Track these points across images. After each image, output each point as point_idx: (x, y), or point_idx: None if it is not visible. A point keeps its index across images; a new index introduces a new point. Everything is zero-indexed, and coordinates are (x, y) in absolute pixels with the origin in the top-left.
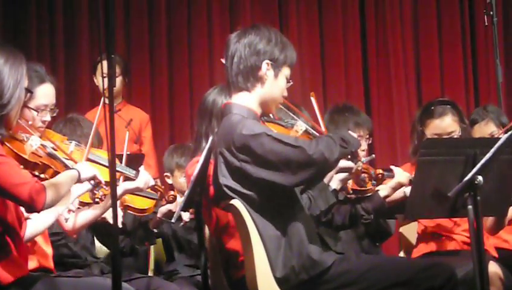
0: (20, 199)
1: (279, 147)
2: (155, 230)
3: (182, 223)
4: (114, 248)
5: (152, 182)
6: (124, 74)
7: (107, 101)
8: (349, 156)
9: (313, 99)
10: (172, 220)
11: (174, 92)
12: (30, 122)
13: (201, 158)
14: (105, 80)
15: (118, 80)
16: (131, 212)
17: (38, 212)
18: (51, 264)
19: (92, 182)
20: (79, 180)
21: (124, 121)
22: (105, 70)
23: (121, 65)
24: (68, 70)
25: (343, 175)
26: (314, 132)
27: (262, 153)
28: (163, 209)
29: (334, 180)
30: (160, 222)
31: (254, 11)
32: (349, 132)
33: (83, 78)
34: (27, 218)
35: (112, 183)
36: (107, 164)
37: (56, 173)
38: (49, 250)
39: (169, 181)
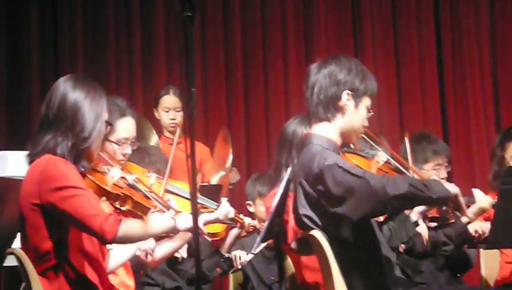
0: (92, 230)
1: (347, 178)
2: (227, 255)
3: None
4: (198, 280)
5: (232, 214)
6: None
7: (168, 134)
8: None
9: (406, 140)
10: (253, 251)
11: (250, 122)
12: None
13: (280, 189)
14: (175, 112)
15: (180, 114)
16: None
17: (110, 243)
18: None
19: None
20: (175, 230)
21: (185, 153)
22: (172, 104)
23: (182, 98)
24: (146, 103)
25: (422, 207)
26: (396, 162)
27: (332, 185)
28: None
29: (413, 212)
30: (231, 247)
31: (329, 41)
32: (441, 171)
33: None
34: (109, 249)
35: (194, 216)
36: (185, 195)
37: (136, 203)
38: (131, 282)
39: (251, 209)
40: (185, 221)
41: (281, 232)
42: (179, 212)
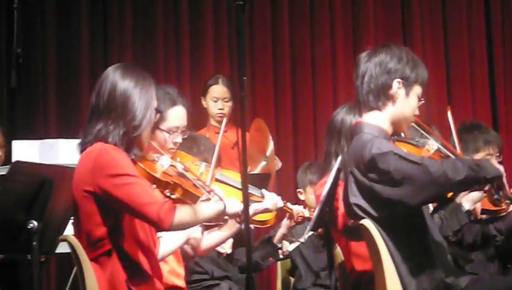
0: (148, 218)
1: (404, 165)
2: (279, 245)
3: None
4: (248, 271)
5: (281, 204)
6: (234, 97)
7: (215, 123)
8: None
9: (449, 114)
10: (302, 240)
11: (298, 111)
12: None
13: (330, 178)
14: (224, 103)
15: (228, 105)
16: (251, 225)
17: (166, 231)
18: (183, 283)
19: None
20: (224, 214)
21: (231, 142)
22: (221, 94)
23: (231, 89)
24: (194, 94)
25: (476, 195)
26: (447, 151)
27: (388, 172)
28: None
29: (467, 200)
30: (284, 237)
31: (377, 28)
32: (493, 160)
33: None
34: (159, 237)
35: (245, 205)
36: (234, 184)
37: (186, 191)
38: (181, 270)
39: (302, 197)
40: (233, 205)
41: (331, 221)
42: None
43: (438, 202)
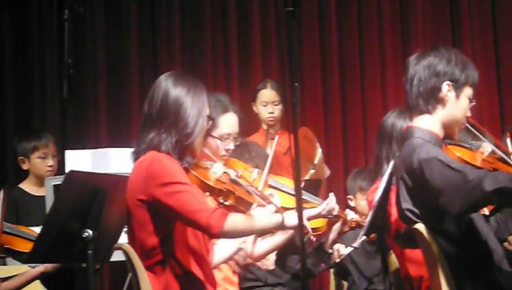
0: (199, 224)
1: (445, 171)
2: (330, 250)
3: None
4: (303, 277)
5: (337, 211)
6: (284, 101)
7: (265, 128)
8: None
9: (508, 140)
10: (355, 245)
11: (347, 116)
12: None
13: (382, 183)
14: (273, 106)
15: (278, 108)
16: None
17: (217, 237)
18: None
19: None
20: (282, 227)
21: (283, 148)
22: (270, 98)
23: (281, 93)
24: (243, 101)
25: None
26: (501, 153)
27: (431, 178)
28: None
29: None
30: (335, 243)
31: (426, 35)
32: None
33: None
34: (213, 244)
35: (299, 211)
36: (287, 190)
37: (239, 198)
38: (235, 277)
39: (352, 204)
40: (292, 218)
41: (384, 226)
42: (282, 208)
43: (478, 210)
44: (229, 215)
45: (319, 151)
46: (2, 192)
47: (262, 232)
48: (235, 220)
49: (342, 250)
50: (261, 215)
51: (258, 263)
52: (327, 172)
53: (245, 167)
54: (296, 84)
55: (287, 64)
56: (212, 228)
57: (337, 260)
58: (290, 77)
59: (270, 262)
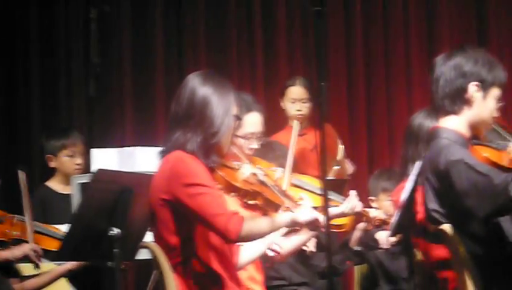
0: (216, 228)
1: (471, 175)
2: (355, 248)
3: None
4: (330, 276)
5: (359, 208)
6: (311, 98)
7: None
8: None
9: None
10: (382, 245)
11: (371, 116)
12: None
13: (408, 183)
14: (302, 104)
15: (306, 106)
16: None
17: (233, 242)
18: None
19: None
20: (296, 224)
21: (310, 144)
22: (299, 95)
23: (310, 90)
24: (267, 100)
25: None
26: None
27: (457, 181)
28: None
29: None
30: (360, 241)
31: (453, 36)
32: None
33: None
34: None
35: (326, 210)
36: (312, 189)
37: (266, 200)
38: (259, 276)
39: (374, 205)
40: (305, 214)
41: (410, 226)
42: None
43: (506, 214)
44: (245, 220)
45: (341, 148)
46: (20, 174)
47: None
48: (252, 225)
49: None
50: (274, 216)
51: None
52: (351, 168)
53: (268, 166)
54: (323, 83)
55: (314, 63)
56: (229, 233)
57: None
58: (317, 76)
59: (312, 245)
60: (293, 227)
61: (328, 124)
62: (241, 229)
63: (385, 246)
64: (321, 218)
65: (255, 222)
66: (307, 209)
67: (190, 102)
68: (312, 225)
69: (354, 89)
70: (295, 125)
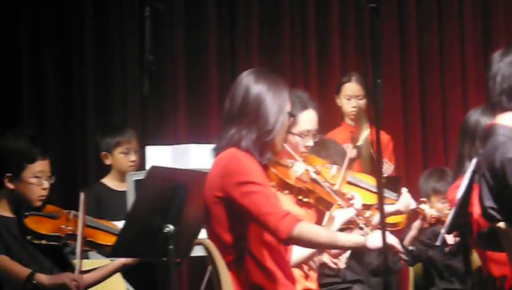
0: (268, 227)
1: None
2: (410, 247)
3: (446, 248)
4: (385, 274)
5: (413, 205)
6: (367, 94)
7: (350, 122)
8: None
9: None
10: (437, 243)
11: (426, 116)
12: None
13: (464, 180)
14: (357, 101)
15: (362, 102)
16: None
17: (284, 242)
18: (315, 287)
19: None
20: (364, 249)
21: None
22: (354, 92)
23: (364, 86)
24: (320, 98)
25: None
26: None
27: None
28: (416, 224)
29: None
30: (414, 240)
31: (509, 34)
32: None
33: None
34: None
35: (381, 208)
36: (367, 187)
37: (319, 198)
38: (313, 273)
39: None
40: (375, 240)
41: (466, 224)
42: (361, 208)
43: None
44: (301, 222)
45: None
46: (82, 195)
47: (333, 247)
48: (307, 229)
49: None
50: (343, 235)
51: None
52: (390, 168)
53: (323, 163)
54: (379, 80)
55: (369, 60)
56: (280, 233)
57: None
58: (373, 73)
59: (342, 261)
60: (359, 251)
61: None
62: (292, 230)
63: (438, 243)
64: (396, 244)
65: (312, 228)
66: (377, 235)
67: (244, 100)
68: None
69: (408, 85)
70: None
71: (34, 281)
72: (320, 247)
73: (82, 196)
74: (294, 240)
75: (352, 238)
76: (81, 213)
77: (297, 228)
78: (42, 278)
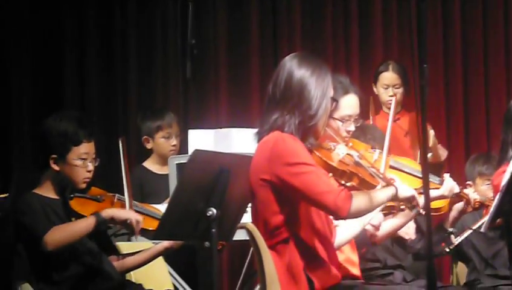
0: (326, 206)
1: None
2: (451, 229)
3: (450, 247)
4: (429, 258)
5: (457, 190)
6: (405, 83)
7: (387, 110)
8: None
9: None
10: (482, 230)
11: (469, 101)
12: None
13: (509, 167)
14: (394, 89)
15: (399, 91)
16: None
17: (344, 219)
18: (357, 272)
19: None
20: (396, 199)
21: (403, 130)
22: (391, 81)
23: (402, 75)
24: (362, 83)
25: None
26: None
27: None
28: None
29: None
30: (455, 221)
31: None
32: None
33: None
34: (335, 226)
35: (426, 193)
36: (411, 172)
37: (362, 181)
38: (355, 258)
39: (471, 189)
40: (406, 190)
41: (511, 211)
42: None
43: None
44: (353, 196)
45: (432, 134)
46: (120, 141)
47: (378, 207)
48: (359, 201)
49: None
50: (378, 191)
51: (402, 233)
52: (444, 153)
53: (366, 148)
54: (425, 65)
55: (415, 46)
56: (339, 211)
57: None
58: (419, 58)
59: (411, 231)
60: (393, 201)
61: (413, 112)
62: (350, 205)
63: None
64: (418, 196)
65: (360, 198)
66: (406, 186)
67: (287, 84)
68: (410, 202)
69: (451, 72)
70: (392, 105)
71: (104, 217)
72: (371, 211)
73: (121, 142)
74: (353, 215)
75: (386, 192)
76: (122, 159)
77: (353, 203)
78: (108, 212)
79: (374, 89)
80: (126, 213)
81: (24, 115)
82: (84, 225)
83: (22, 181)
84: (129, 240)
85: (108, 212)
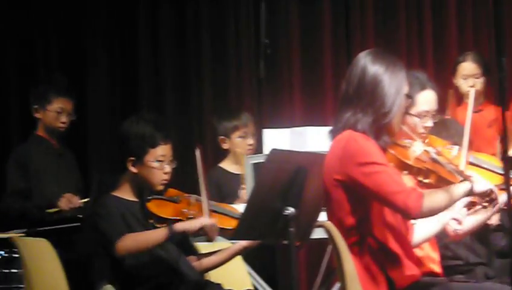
0: (396, 206)
1: None
2: None
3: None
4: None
5: None
6: (486, 73)
7: (469, 96)
8: None
9: None
10: None
11: None
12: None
13: None
14: (474, 80)
15: (480, 81)
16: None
17: (416, 218)
18: (438, 269)
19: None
20: (472, 193)
21: (487, 120)
22: (470, 71)
23: (482, 65)
24: (437, 75)
25: None
26: None
27: None
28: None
29: None
30: None
31: None
32: None
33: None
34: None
35: (508, 189)
36: (491, 168)
37: (440, 178)
38: (435, 255)
39: None
40: (482, 184)
41: None
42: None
43: None
44: (425, 195)
45: None
46: (197, 151)
47: (452, 204)
48: (432, 199)
49: None
50: (452, 187)
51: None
52: None
53: (444, 144)
54: (503, 58)
55: (493, 38)
56: (410, 211)
57: None
58: (497, 51)
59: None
60: (470, 195)
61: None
62: (421, 205)
63: None
64: (496, 190)
65: (433, 196)
66: (483, 180)
67: (361, 81)
68: (488, 196)
69: None
70: (471, 97)
71: (176, 231)
72: (447, 208)
73: (198, 152)
74: (424, 215)
75: (460, 187)
76: (199, 168)
77: (425, 203)
78: (180, 226)
79: (454, 81)
80: (198, 223)
81: (101, 120)
82: (155, 236)
83: (101, 185)
84: (208, 240)
85: (180, 226)
